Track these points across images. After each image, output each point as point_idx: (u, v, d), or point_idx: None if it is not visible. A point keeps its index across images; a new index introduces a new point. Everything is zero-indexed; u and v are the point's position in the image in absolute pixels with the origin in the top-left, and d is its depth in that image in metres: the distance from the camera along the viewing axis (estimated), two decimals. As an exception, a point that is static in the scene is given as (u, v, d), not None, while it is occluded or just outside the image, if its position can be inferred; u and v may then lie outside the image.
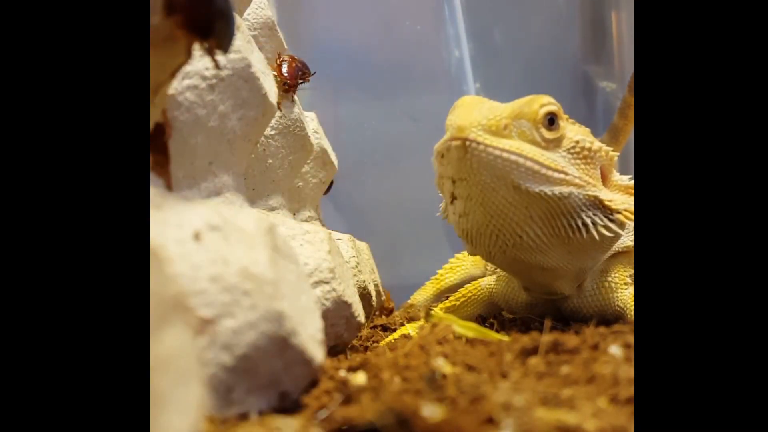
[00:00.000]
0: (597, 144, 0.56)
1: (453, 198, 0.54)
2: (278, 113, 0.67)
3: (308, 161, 0.78)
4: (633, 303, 0.58)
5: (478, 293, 0.67)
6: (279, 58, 0.70)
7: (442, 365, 0.37)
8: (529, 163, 0.50)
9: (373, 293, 0.71)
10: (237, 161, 0.55)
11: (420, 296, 0.87)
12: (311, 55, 0.78)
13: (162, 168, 0.43)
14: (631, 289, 0.59)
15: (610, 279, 0.60)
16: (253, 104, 0.54)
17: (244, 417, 0.32)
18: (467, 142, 0.49)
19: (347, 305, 0.50)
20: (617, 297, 0.59)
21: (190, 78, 0.49)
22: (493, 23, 1.27)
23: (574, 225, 0.52)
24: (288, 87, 0.68)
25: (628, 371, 0.34)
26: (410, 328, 0.65)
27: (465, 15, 1.24)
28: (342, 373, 0.40)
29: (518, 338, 0.43)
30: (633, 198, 0.58)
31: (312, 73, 0.73)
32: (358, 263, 0.65)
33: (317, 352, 0.36)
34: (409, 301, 0.88)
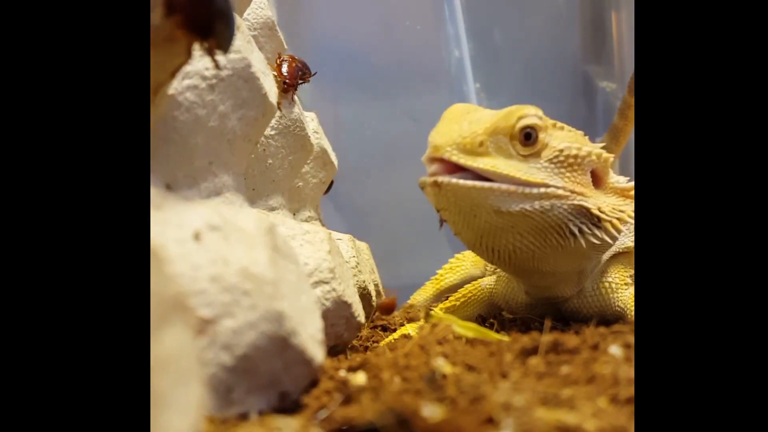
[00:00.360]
0: (586, 149, 0.55)
1: (443, 221, 0.56)
2: (278, 113, 0.67)
3: (308, 161, 0.78)
4: (633, 303, 0.58)
5: (478, 293, 0.67)
6: (279, 57, 0.70)
7: (443, 365, 0.37)
8: (504, 186, 0.50)
9: (373, 293, 0.71)
10: (237, 161, 0.55)
11: (420, 296, 0.87)
12: (311, 55, 0.78)
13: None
14: (632, 290, 0.59)
15: (610, 280, 0.60)
16: (253, 104, 0.54)
17: (244, 417, 0.32)
18: (439, 180, 0.50)
19: (347, 305, 0.50)
20: (617, 297, 0.59)
21: (190, 78, 0.49)
22: (493, 23, 1.27)
23: (562, 234, 0.53)
24: (287, 87, 0.68)
25: (628, 371, 0.34)
26: (410, 329, 0.65)
27: (465, 15, 1.24)
28: (342, 373, 0.40)
29: (518, 338, 0.43)
30: (629, 200, 0.58)
31: (313, 73, 0.73)
32: (358, 263, 0.65)
33: (317, 352, 0.36)
34: (409, 302, 0.88)
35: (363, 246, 0.82)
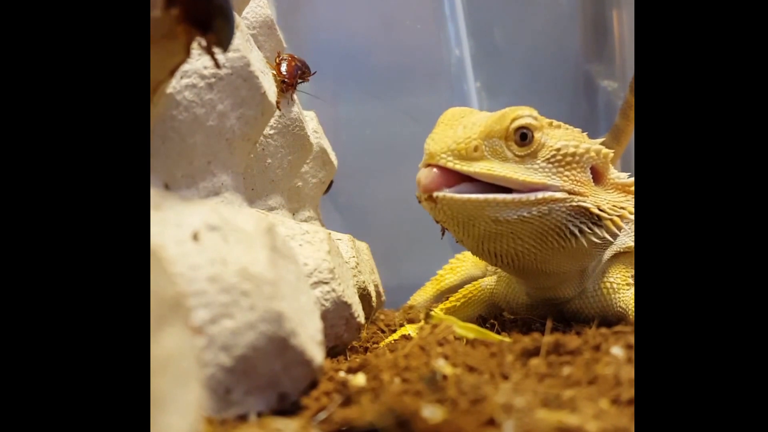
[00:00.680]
0: (584, 146, 0.55)
1: (444, 229, 0.56)
2: (277, 113, 0.67)
3: (308, 161, 0.78)
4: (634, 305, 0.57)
5: (479, 294, 0.67)
6: (278, 57, 0.70)
7: (443, 366, 0.37)
8: (500, 197, 0.50)
9: (373, 293, 0.71)
10: (236, 161, 0.55)
11: (420, 297, 0.87)
12: (310, 54, 0.78)
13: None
14: (632, 291, 0.59)
15: (611, 280, 0.59)
16: (252, 103, 0.54)
17: (243, 418, 0.32)
18: (434, 195, 0.50)
19: (347, 306, 0.50)
20: (619, 298, 0.58)
21: (189, 77, 0.49)
22: (493, 22, 1.27)
23: (563, 235, 0.52)
24: (286, 86, 0.68)
25: (630, 372, 0.34)
26: (410, 329, 0.65)
27: (465, 14, 1.24)
28: (341, 374, 0.39)
29: (519, 339, 0.43)
30: (631, 196, 0.57)
31: (312, 72, 0.73)
32: (357, 263, 0.65)
33: (317, 353, 0.36)
34: (409, 302, 0.87)
35: (363, 246, 0.82)
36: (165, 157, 0.49)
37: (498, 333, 0.49)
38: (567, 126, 0.56)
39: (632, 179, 0.58)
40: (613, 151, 0.58)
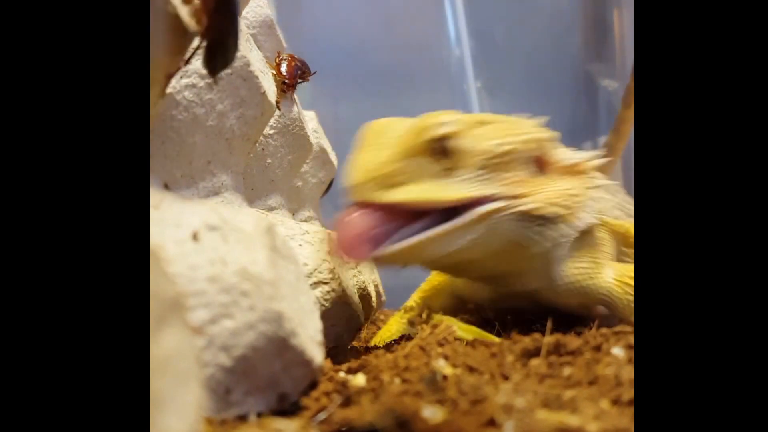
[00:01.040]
0: (518, 139, 0.48)
1: None
2: (277, 112, 0.66)
3: (307, 161, 0.78)
4: (619, 289, 0.52)
5: (441, 285, 0.64)
6: (278, 57, 0.70)
7: (443, 366, 0.37)
8: (431, 234, 0.44)
9: (373, 293, 0.71)
10: (235, 161, 0.55)
11: (416, 297, 0.86)
12: (310, 53, 0.77)
13: None
14: (612, 272, 0.53)
15: (580, 266, 0.53)
16: (252, 103, 0.54)
17: (242, 419, 0.32)
18: (372, 256, 0.44)
19: (347, 306, 0.50)
20: (597, 284, 0.52)
21: (189, 77, 0.49)
22: (494, 22, 1.27)
23: (522, 244, 0.48)
24: (287, 86, 0.68)
25: (631, 373, 0.34)
26: (394, 323, 0.65)
27: (466, 13, 1.24)
28: (341, 374, 0.39)
29: (519, 339, 0.42)
30: (578, 176, 0.52)
31: (312, 72, 0.73)
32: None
33: (317, 354, 0.35)
34: (408, 303, 0.87)
35: (363, 246, 0.82)
36: (164, 157, 0.49)
37: (498, 334, 0.49)
38: (502, 118, 0.51)
39: (577, 157, 0.52)
40: (551, 135, 0.52)
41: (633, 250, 0.56)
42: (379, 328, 0.69)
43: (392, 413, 0.28)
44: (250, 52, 0.54)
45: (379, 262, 0.45)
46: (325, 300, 0.48)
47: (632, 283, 0.51)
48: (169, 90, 0.47)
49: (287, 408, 0.34)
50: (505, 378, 0.36)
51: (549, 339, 0.40)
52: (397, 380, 0.35)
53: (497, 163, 0.47)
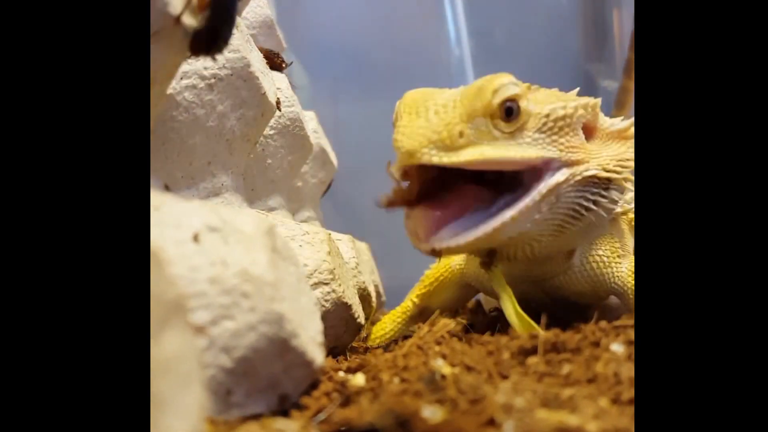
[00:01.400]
0: (572, 104, 0.48)
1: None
2: (277, 113, 0.67)
3: (307, 161, 0.78)
4: (633, 281, 0.52)
5: (450, 275, 0.63)
6: None
7: (442, 366, 0.37)
8: (507, 217, 0.44)
9: (373, 294, 0.71)
10: (236, 161, 0.55)
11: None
12: (311, 54, 0.78)
13: None
14: (627, 263, 0.53)
15: (600, 253, 0.53)
16: (252, 104, 0.54)
17: (243, 419, 0.32)
18: (437, 247, 0.43)
19: (347, 306, 0.50)
20: (613, 273, 0.53)
21: (189, 78, 0.49)
22: (494, 22, 1.27)
23: (578, 215, 0.47)
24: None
25: (630, 370, 0.34)
26: (388, 321, 0.65)
27: (466, 13, 1.24)
28: (341, 374, 0.40)
29: (516, 336, 0.42)
30: (630, 142, 0.51)
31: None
32: (357, 264, 0.65)
33: (317, 354, 0.36)
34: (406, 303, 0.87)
35: (363, 246, 0.82)
36: (165, 158, 0.49)
37: (537, 323, 0.46)
38: (544, 88, 0.50)
39: (626, 123, 0.52)
40: (599, 100, 0.52)
41: None
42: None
43: (392, 413, 0.28)
44: (250, 52, 0.54)
45: (454, 250, 0.44)
46: (326, 301, 0.48)
47: None
48: (169, 91, 0.47)
49: (288, 408, 0.34)
50: (504, 377, 0.36)
51: (547, 335, 0.39)
52: (396, 380, 0.36)
53: (553, 128, 0.47)
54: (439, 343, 0.41)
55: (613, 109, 0.88)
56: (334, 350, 0.52)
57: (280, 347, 0.32)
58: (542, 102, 0.47)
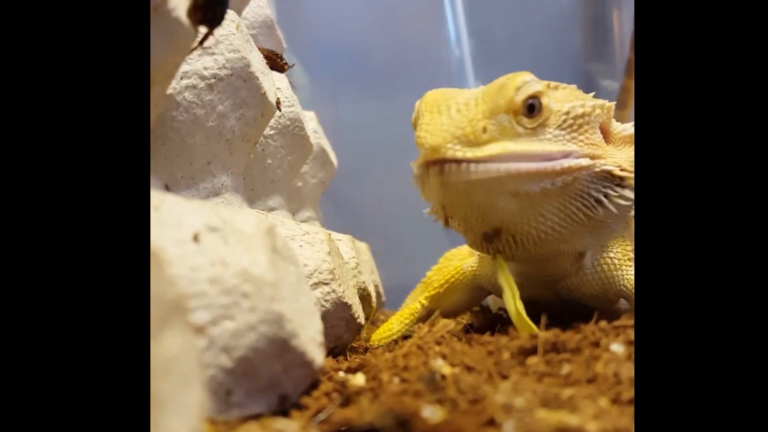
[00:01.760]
0: (590, 103, 0.50)
1: (447, 219, 0.50)
2: (277, 113, 0.67)
3: (307, 161, 0.78)
4: None
5: (461, 278, 0.63)
6: None
7: (441, 366, 0.37)
8: (523, 167, 0.45)
9: (373, 294, 0.71)
10: (236, 161, 0.55)
11: (411, 300, 0.86)
12: (311, 54, 0.78)
13: None
14: None
15: (612, 255, 0.54)
16: (252, 104, 0.54)
17: (243, 419, 0.32)
18: (446, 167, 0.43)
19: (347, 306, 0.50)
20: (622, 276, 0.54)
21: (189, 78, 0.49)
22: (494, 22, 1.27)
23: (588, 204, 0.48)
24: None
25: (630, 370, 0.34)
26: (395, 322, 0.65)
27: (466, 13, 1.24)
28: (341, 374, 0.40)
29: (516, 336, 0.42)
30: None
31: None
32: (357, 264, 0.65)
33: (317, 354, 0.36)
34: (403, 306, 0.87)
35: (363, 246, 0.82)
36: (165, 158, 0.49)
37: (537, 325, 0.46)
38: (564, 85, 0.51)
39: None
40: (613, 103, 0.54)
41: None
42: (379, 329, 0.69)
43: (392, 413, 0.28)
44: (250, 53, 0.54)
45: (460, 178, 0.44)
46: (326, 301, 0.48)
47: None
48: (169, 91, 0.47)
49: (288, 408, 0.34)
50: (504, 377, 0.36)
51: (546, 335, 0.39)
52: (396, 380, 0.36)
53: (574, 125, 0.48)
54: (439, 343, 0.41)
55: (614, 109, 0.88)
56: (334, 350, 0.52)
57: (280, 347, 0.32)
58: (562, 100, 0.49)
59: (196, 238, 0.32)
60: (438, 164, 0.44)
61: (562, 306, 0.57)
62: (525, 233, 0.48)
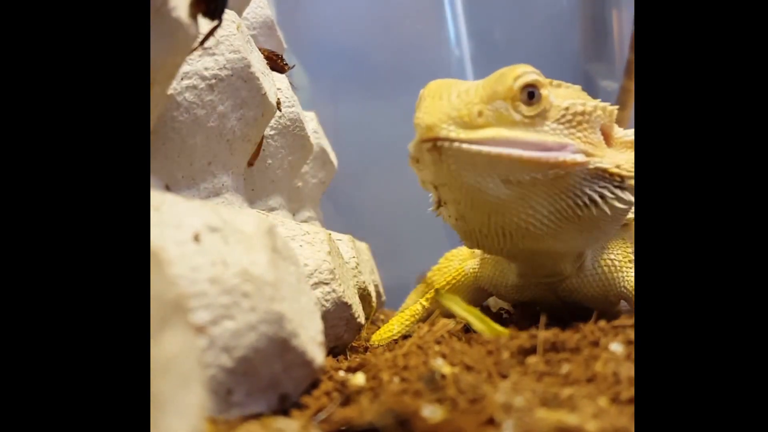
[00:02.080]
0: (591, 103, 0.49)
1: (440, 203, 0.50)
2: (278, 113, 0.67)
3: (308, 161, 0.78)
4: None
5: (463, 279, 0.63)
6: None
7: (441, 365, 0.37)
8: (515, 152, 0.44)
9: (373, 293, 0.71)
10: (236, 161, 0.55)
11: (411, 301, 0.86)
12: (311, 54, 0.78)
13: None
14: None
15: (612, 257, 0.54)
16: (253, 104, 0.54)
17: (244, 419, 0.32)
18: (439, 143, 0.43)
19: (347, 306, 0.50)
20: (622, 278, 0.54)
21: (189, 78, 0.49)
22: (493, 22, 1.27)
23: (580, 203, 0.47)
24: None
25: (630, 370, 0.34)
26: (395, 323, 0.65)
27: (465, 14, 1.24)
28: (341, 373, 0.40)
29: (516, 335, 0.42)
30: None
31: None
32: (358, 264, 0.65)
33: (317, 354, 0.36)
34: (403, 306, 0.87)
35: (363, 246, 0.82)
36: (165, 158, 0.49)
37: (505, 325, 0.46)
38: (567, 84, 0.51)
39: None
40: (616, 108, 0.54)
41: None
42: (379, 328, 0.69)
43: (392, 412, 0.28)
44: (250, 53, 0.55)
45: (452, 155, 0.44)
46: (326, 300, 0.49)
47: None
48: (170, 91, 0.48)
49: (288, 408, 0.34)
50: (503, 376, 0.36)
51: (546, 335, 0.39)
52: (396, 379, 0.36)
53: (573, 121, 0.48)
54: (439, 343, 0.42)
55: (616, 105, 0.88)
56: (334, 350, 0.52)
57: (281, 347, 0.32)
58: (563, 96, 0.49)
59: (196, 238, 0.32)
60: (431, 142, 0.44)
61: (563, 307, 0.57)
62: (514, 225, 0.48)
